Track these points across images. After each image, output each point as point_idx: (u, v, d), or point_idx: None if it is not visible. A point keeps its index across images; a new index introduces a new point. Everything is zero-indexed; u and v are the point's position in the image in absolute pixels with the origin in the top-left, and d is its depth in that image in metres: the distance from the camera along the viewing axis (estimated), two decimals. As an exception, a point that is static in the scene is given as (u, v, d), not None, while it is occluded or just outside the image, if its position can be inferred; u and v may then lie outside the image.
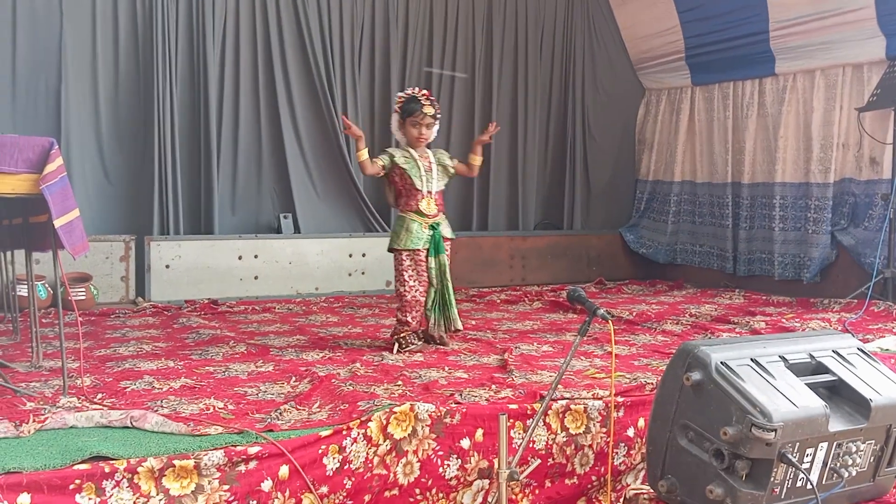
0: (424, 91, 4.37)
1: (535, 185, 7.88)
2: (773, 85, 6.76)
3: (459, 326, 4.40)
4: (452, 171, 4.45)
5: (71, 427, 2.79)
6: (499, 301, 6.27)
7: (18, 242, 4.03)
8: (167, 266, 6.05)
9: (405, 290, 4.30)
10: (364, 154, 4.28)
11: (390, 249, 4.36)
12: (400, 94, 4.44)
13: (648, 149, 7.98)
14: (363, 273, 6.72)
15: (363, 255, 6.72)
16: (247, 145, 6.65)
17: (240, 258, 6.30)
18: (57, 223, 3.13)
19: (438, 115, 4.38)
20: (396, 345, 4.28)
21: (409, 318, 4.30)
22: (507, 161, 7.73)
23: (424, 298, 4.31)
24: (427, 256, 4.29)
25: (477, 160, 4.49)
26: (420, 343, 4.35)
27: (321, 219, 6.87)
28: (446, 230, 4.40)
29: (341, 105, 6.89)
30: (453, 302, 4.34)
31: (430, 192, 4.31)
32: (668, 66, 7.67)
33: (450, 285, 4.33)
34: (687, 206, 7.58)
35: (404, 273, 4.30)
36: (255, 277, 6.34)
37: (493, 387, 3.42)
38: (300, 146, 6.78)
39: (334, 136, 6.82)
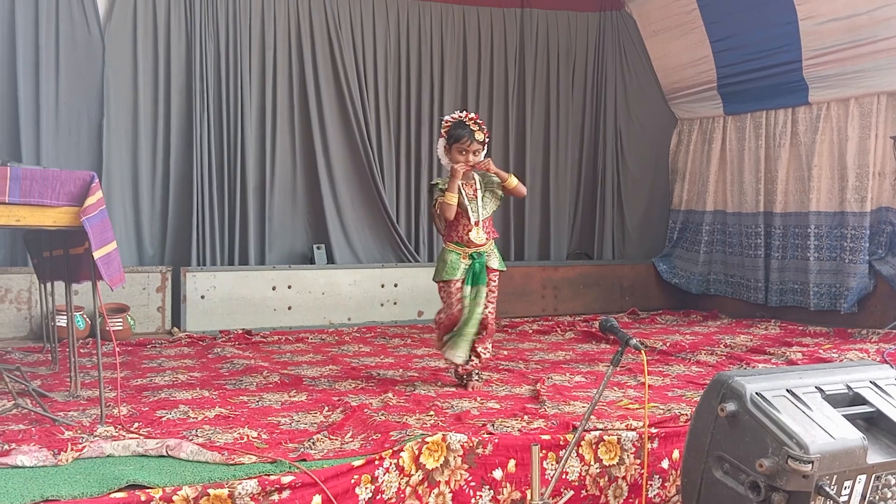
0: (473, 115, 4.06)
1: (568, 215, 7.88)
2: (806, 114, 6.71)
3: (457, 361, 4.10)
4: (501, 192, 4.15)
5: (108, 456, 2.83)
6: (531, 331, 6.25)
7: (58, 274, 4.11)
8: (202, 297, 6.12)
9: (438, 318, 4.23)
10: (453, 199, 4.00)
11: (434, 280, 4.22)
12: (447, 117, 4.13)
13: (681, 178, 7.95)
14: (395, 303, 6.74)
15: (395, 286, 6.75)
16: (282, 177, 6.75)
17: (273, 289, 6.36)
18: (96, 255, 3.19)
19: (487, 140, 4.09)
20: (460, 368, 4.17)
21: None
22: (540, 191, 7.74)
23: (453, 325, 4.11)
24: (463, 285, 4.06)
25: (510, 182, 4.08)
26: (477, 377, 4.15)
27: (354, 249, 6.93)
28: (493, 261, 4.14)
29: (375, 138, 6.97)
30: (468, 334, 4.06)
31: (478, 222, 4.05)
32: (701, 95, 7.66)
33: (477, 318, 4.06)
34: (719, 235, 7.52)
35: (443, 303, 4.17)
36: (289, 308, 6.39)
37: (526, 417, 3.41)
38: (333, 178, 6.85)
39: (367, 168, 6.89)
